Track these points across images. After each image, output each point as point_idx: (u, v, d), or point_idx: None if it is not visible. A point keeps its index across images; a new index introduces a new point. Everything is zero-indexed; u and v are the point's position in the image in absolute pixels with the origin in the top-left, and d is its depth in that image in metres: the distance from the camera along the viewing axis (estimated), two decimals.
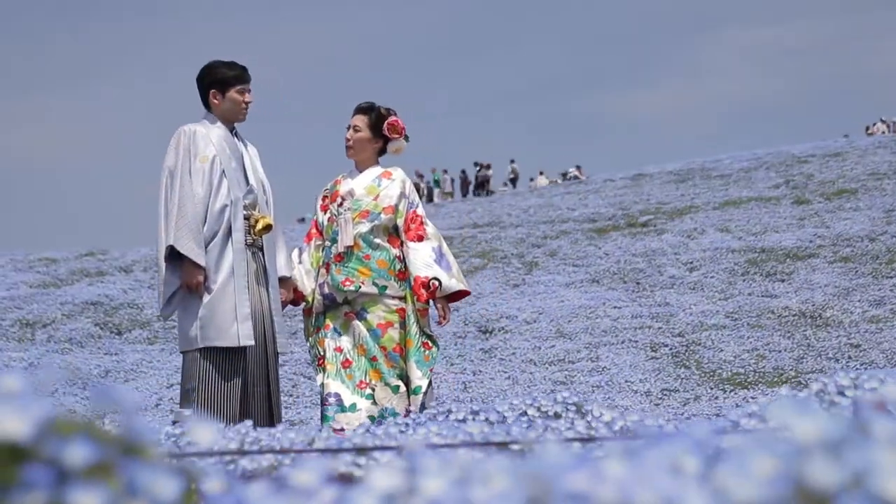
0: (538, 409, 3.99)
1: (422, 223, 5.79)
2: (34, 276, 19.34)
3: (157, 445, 0.84)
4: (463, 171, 40.50)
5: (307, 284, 5.82)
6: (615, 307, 16.10)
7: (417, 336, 5.66)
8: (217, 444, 2.67)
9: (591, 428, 3.29)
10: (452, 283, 5.73)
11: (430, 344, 5.66)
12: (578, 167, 38.82)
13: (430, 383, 5.67)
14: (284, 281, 5.70)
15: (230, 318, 5.32)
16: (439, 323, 5.72)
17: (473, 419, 3.85)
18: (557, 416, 4.01)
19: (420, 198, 6.09)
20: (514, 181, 39.97)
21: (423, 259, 5.74)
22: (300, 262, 5.88)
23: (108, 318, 16.47)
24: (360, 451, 2.08)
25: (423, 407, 5.44)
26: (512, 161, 40.94)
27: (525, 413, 3.91)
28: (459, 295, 5.79)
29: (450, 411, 3.92)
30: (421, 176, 37.88)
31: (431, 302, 5.72)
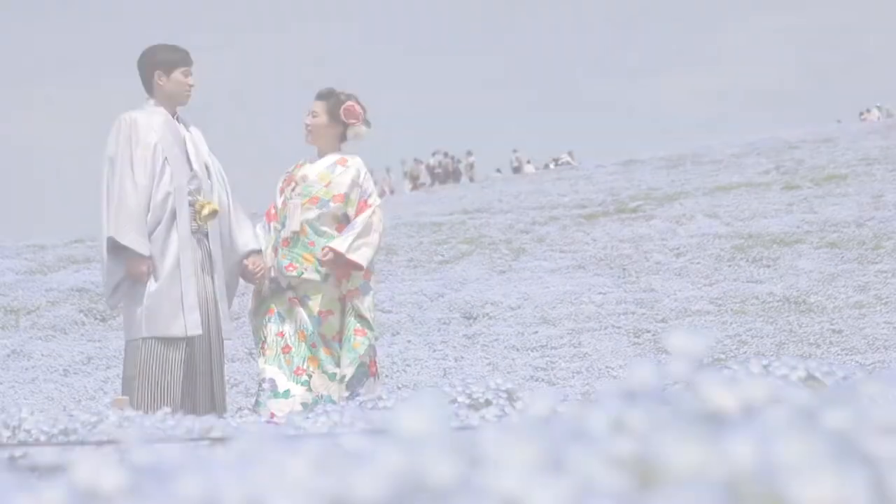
0: (469, 395, 3.96)
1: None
2: (21, 263, 19.32)
3: None
4: (451, 157, 40.54)
5: (268, 262, 5.77)
6: (600, 293, 16.07)
7: (350, 323, 5.62)
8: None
9: (504, 414, 3.28)
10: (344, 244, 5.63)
11: (365, 330, 5.61)
12: (570, 153, 38.86)
13: (372, 372, 5.62)
14: (256, 253, 5.63)
15: (177, 308, 5.29)
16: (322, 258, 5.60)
17: None
18: (489, 403, 3.99)
19: (390, 192, 6.07)
20: (517, 170, 40.09)
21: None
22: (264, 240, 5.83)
23: (93, 304, 16.44)
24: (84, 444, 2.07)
25: (352, 394, 5.37)
26: (515, 150, 41.14)
27: (455, 400, 3.89)
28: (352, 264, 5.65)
29: (380, 398, 3.90)
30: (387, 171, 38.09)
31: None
